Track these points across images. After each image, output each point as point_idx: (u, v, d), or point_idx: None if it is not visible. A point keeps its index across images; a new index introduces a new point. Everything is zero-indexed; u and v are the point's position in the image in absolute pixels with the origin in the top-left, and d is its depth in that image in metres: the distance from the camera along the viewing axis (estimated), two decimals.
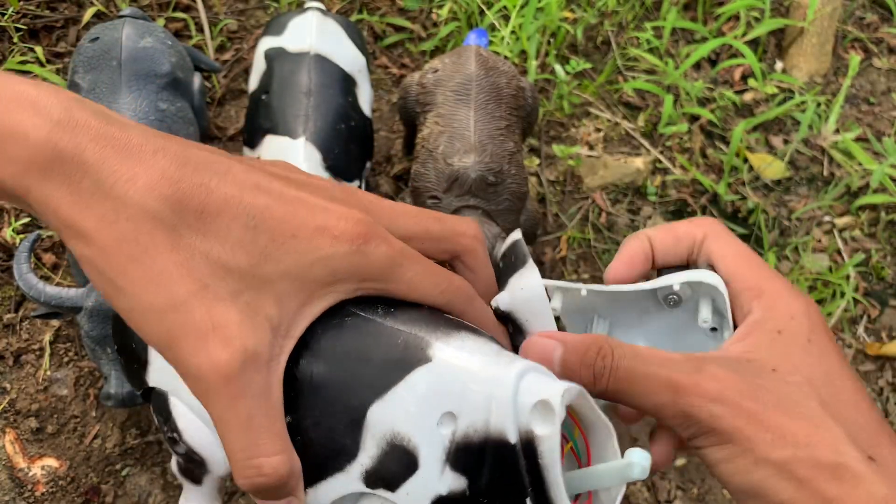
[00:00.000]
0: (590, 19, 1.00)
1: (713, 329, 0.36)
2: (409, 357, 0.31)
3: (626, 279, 0.37)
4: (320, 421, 0.32)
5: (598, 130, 0.94)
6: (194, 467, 0.40)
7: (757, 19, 1.03)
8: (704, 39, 1.00)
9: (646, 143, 0.94)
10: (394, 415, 0.31)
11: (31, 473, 0.67)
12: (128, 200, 0.28)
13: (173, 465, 0.44)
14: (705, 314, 0.35)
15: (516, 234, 0.36)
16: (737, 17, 1.04)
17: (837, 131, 0.98)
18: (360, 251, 0.31)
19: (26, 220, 0.78)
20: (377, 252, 0.31)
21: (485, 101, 0.68)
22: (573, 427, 0.32)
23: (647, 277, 0.37)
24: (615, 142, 0.94)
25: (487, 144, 0.66)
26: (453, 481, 0.30)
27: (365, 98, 0.74)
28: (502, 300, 0.35)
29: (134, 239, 0.28)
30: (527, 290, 0.34)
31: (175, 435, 0.38)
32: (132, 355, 0.40)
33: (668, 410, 0.31)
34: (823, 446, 0.30)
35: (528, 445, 0.29)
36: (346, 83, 0.72)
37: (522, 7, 0.93)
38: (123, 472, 0.68)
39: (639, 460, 0.29)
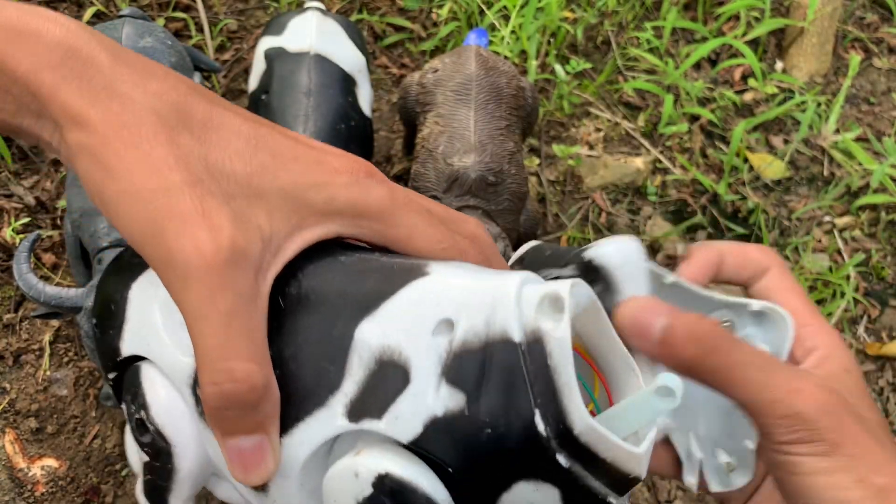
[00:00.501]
0: (590, 19, 1.00)
1: None
2: (403, 275, 0.29)
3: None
4: (301, 350, 0.29)
5: (598, 130, 0.94)
6: (160, 464, 0.34)
7: (757, 19, 1.03)
8: (704, 39, 1.00)
9: (646, 143, 0.94)
10: (384, 329, 0.28)
11: (30, 473, 0.67)
12: (136, 99, 0.28)
13: (138, 489, 0.37)
14: (762, 346, 0.34)
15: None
16: (737, 17, 1.04)
17: (838, 131, 0.98)
18: (359, 183, 0.30)
19: (26, 220, 0.78)
20: (378, 189, 0.31)
21: (485, 101, 0.68)
22: (592, 379, 0.30)
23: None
24: (615, 142, 0.94)
25: (487, 144, 0.66)
26: (450, 398, 0.26)
27: (365, 98, 0.74)
28: (603, 251, 0.32)
29: (136, 128, 0.28)
30: (627, 252, 0.32)
31: (142, 413, 0.33)
32: (110, 316, 0.35)
33: (780, 408, 0.29)
34: None
35: (535, 345, 0.26)
36: (346, 83, 0.72)
37: (522, 7, 0.93)
38: (123, 472, 0.68)
39: (667, 382, 0.26)
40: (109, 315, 0.35)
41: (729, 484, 0.34)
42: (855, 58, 1.03)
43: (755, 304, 0.34)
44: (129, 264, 0.36)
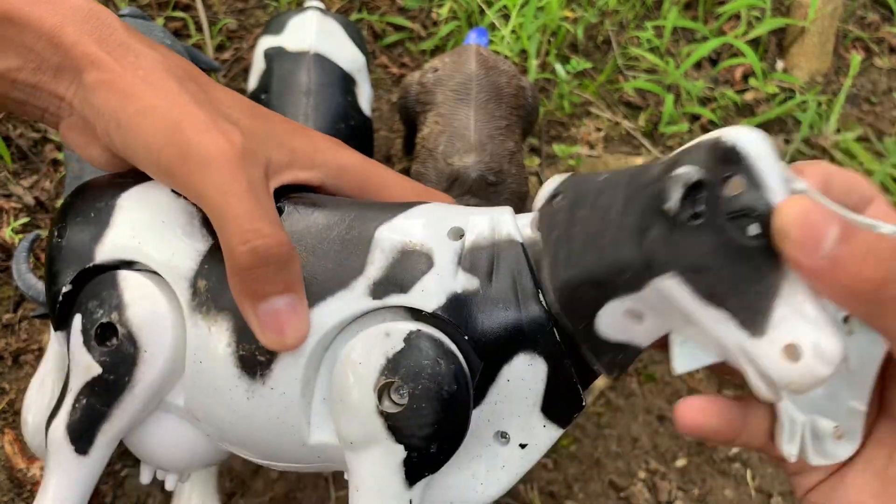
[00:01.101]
0: (590, 18, 0.99)
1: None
2: (406, 203, 0.34)
3: None
4: (318, 247, 0.32)
5: (599, 130, 0.94)
6: (113, 378, 0.32)
7: (758, 18, 1.03)
8: (705, 39, 1.00)
9: (646, 143, 0.94)
10: (403, 230, 0.32)
11: (30, 474, 0.67)
12: (148, 55, 0.33)
13: (56, 425, 0.33)
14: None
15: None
16: (738, 17, 1.03)
17: (838, 131, 0.97)
18: (339, 148, 0.36)
19: (25, 219, 0.77)
20: (354, 153, 0.36)
21: (485, 101, 0.67)
22: None
23: None
24: (616, 141, 0.94)
25: (487, 144, 0.65)
26: (466, 281, 0.31)
27: (365, 97, 0.74)
28: (739, 136, 0.26)
29: (150, 71, 0.32)
30: (765, 142, 0.26)
31: (113, 315, 0.32)
32: (89, 223, 0.34)
33: None
34: None
35: (532, 246, 0.31)
36: (346, 82, 0.72)
37: (523, 6, 0.93)
38: (122, 473, 0.68)
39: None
40: (87, 220, 0.34)
41: (833, 456, 0.29)
42: (856, 57, 1.03)
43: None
44: (115, 182, 0.36)
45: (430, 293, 0.30)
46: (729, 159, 0.25)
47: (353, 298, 0.31)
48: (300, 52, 0.71)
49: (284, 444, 0.33)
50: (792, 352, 0.24)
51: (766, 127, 0.98)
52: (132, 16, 0.69)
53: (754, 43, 1.01)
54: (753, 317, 0.25)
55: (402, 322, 0.30)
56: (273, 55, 0.72)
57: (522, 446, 0.32)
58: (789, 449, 0.29)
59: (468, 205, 0.67)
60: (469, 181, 0.64)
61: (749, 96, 1.00)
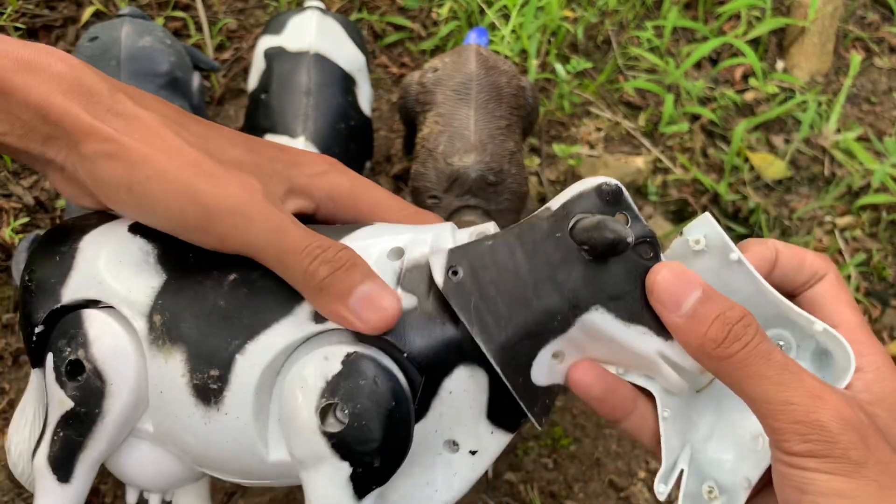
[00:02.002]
0: (590, 18, 0.99)
1: None
2: (353, 225, 0.36)
3: None
4: (264, 275, 0.33)
5: (599, 130, 0.94)
6: (85, 410, 0.34)
7: (758, 18, 1.03)
8: (705, 39, 1.00)
9: (646, 143, 0.94)
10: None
11: None
12: (137, 117, 0.33)
13: (39, 457, 0.36)
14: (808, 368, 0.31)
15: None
16: (738, 17, 1.03)
17: (839, 131, 0.97)
18: (330, 171, 0.37)
19: (25, 219, 0.77)
20: (345, 176, 0.38)
21: (485, 101, 0.67)
22: None
23: None
24: (616, 141, 0.94)
25: (488, 144, 0.65)
26: (405, 299, 0.32)
27: (365, 97, 0.74)
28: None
29: (145, 130, 0.33)
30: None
31: (80, 353, 0.34)
32: (54, 266, 0.37)
33: (795, 412, 0.27)
34: None
35: None
36: (346, 82, 0.72)
37: (523, 6, 0.93)
38: None
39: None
40: (53, 264, 0.37)
41: None
42: (856, 57, 1.03)
43: (820, 325, 0.31)
44: (78, 226, 0.39)
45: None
46: (614, 201, 0.31)
47: (298, 324, 0.32)
48: (300, 52, 0.70)
49: (246, 463, 0.34)
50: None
51: (766, 127, 0.98)
52: (132, 15, 0.69)
53: (754, 43, 1.01)
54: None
55: (340, 345, 0.32)
56: (273, 55, 0.72)
57: (473, 453, 0.34)
58: (660, 487, 0.32)
59: (468, 205, 0.67)
60: (469, 181, 0.64)
61: (749, 96, 0.99)
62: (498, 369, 0.31)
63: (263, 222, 0.32)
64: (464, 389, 0.32)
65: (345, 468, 0.31)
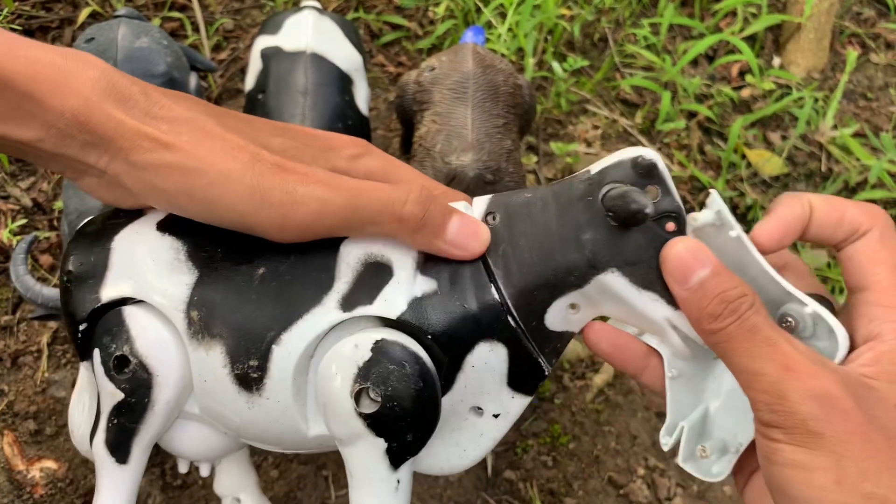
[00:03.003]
0: (587, 16, 0.99)
1: None
2: None
3: (775, 245, 0.33)
4: (294, 266, 0.35)
5: (596, 128, 0.94)
6: (135, 400, 0.37)
7: (754, 15, 1.03)
8: (702, 36, 1.00)
9: (644, 140, 0.94)
10: (364, 242, 0.35)
11: (29, 476, 0.67)
12: (176, 114, 0.33)
13: (97, 441, 0.39)
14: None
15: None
16: (734, 13, 1.04)
17: (835, 127, 0.98)
18: (364, 154, 0.38)
19: (23, 221, 0.77)
20: (378, 156, 0.39)
21: (482, 99, 0.67)
22: None
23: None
24: (613, 139, 0.94)
25: (485, 142, 0.66)
26: (425, 284, 0.34)
27: (362, 97, 0.74)
28: (648, 155, 0.33)
29: (191, 132, 0.33)
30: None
31: (125, 349, 0.37)
32: (90, 267, 0.38)
33: (764, 382, 0.27)
34: None
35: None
36: (343, 82, 0.72)
37: (519, 4, 0.93)
38: None
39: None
40: (89, 265, 0.39)
41: (704, 471, 0.35)
42: (852, 53, 1.03)
43: (810, 308, 0.31)
44: (108, 225, 0.40)
45: (392, 302, 0.34)
46: (647, 174, 0.32)
47: (326, 313, 0.34)
48: (297, 52, 0.70)
49: (287, 438, 0.37)
50: None
51: (762, 123, 0.98)
52: (128, 16, 0.69)
53: (751, 40, 1.01)
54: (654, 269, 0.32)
55: (369, 332, 0.34)
56: (270, 55, 0.72)
57: (496, 416, 0.37)
58: (665, 439, 0.35)
59: None
60: (467, 180, 0.64)
61: (746, 93, 1.00)
62: (513, 311, 0.33)
63: (340, 194, 0.33)
64: (485, 363, 0.35)
65: (380, 444, 0.34)
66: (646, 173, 0.32)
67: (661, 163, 0.32)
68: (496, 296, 0.34)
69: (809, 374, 0.27)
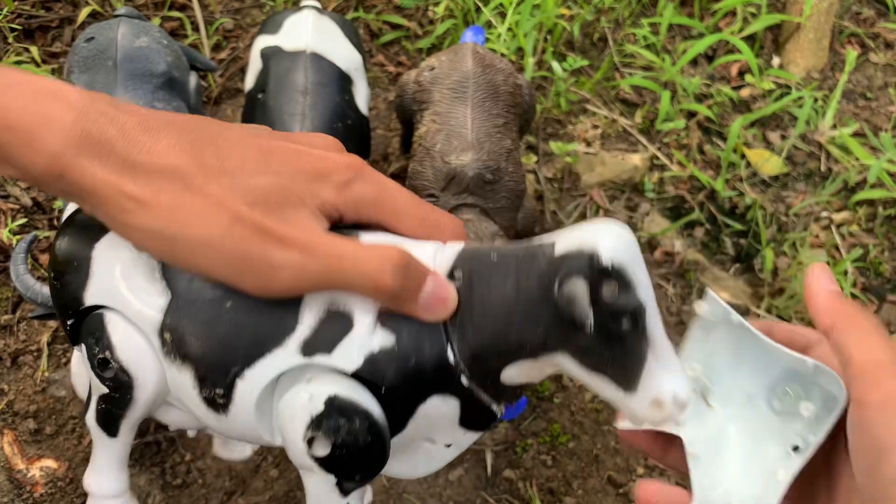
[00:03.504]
0: (586, 16, 1.00)
1: (795, 448, 0.34)
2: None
3: None
4: (260, 303, 0.36)
5: (596, 127, 0.94)
6: (119, 395, 0.40)
7: (754, 15, 1.03)
8: (701, 35, 1.00)
9: (643, 140, 0.94)
10: (330, 291, 0.36)
11: (29, 475, 0.67)
12: (152, 165, 0.32)
13: (89, 416, 0.43)
14: (810, 407, 0.34)
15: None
16: (733, 13, 1.04)
17: (835, 127, 0.98)
18: (356, 179, 0.36)
19: (23, 220, 0.77)
20: (371, 183, 0.37)
21: (482, 99, 0.67)
22: None
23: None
24: (613, 138, 0.94)
25: (485, 142, 0.66)
26: (384, 338, 0.35)
27: (361, 96, 0.74)
28: (606, 246, 0.32)
29: (170, 187, 0.32)
30: (628, 241, 0.33)
31: (106, 353, 0.39)
32: (74, 271, 0.40)
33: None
34: None
35: None
36: (343, 81, 0.72)
37: (519, 4, 0.93)
38: None
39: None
40: (72, 269, 0.40)
41: None
42: (851, 53, 1.03)
43: (811, 362, 0.34)
44: (88, 226, 0.40)
45: (349, 356, 0.35)
46: (603, 273, 0.31)
47: (287, 356, 0.36)
48: (297, 52, 0.70)
49: (259, 441, 0.40)
50: (657, 404, 0.31)
51: (762, 123, 0.98)
52: (128, 16, 0.69)
53: (750, 39, 1.01)
54: (627, 379, 0.31)
55: (325, 384, 0.35)
56: (270, 54, 0.72)
57: (448, 445, 0.39)
58: None
59: (465, 203, 0.67)
60: (466, 179, 0.64)
61: (745, 93, 1.00)
62: (467, 372, 0.34)
63: (317, 261, 0.33)
64: (438, 411, 0.36)
65: (331, 478, 0.37)
66: (602, 272, 0.31)
67: (622, 253, 0.31)
68: (451, 358, 0.34)
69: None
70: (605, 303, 0.30)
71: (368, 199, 0.37)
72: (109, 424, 0.42)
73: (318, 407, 0.35)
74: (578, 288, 0.31)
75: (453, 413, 0.36)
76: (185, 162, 0.32)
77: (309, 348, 0.35)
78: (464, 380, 0.35)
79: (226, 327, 0.36)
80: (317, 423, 0.35)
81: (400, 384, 0.35)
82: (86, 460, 0.68)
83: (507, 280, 0.33)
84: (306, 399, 0.35)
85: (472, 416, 0.37)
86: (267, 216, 0.33)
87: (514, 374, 0.35)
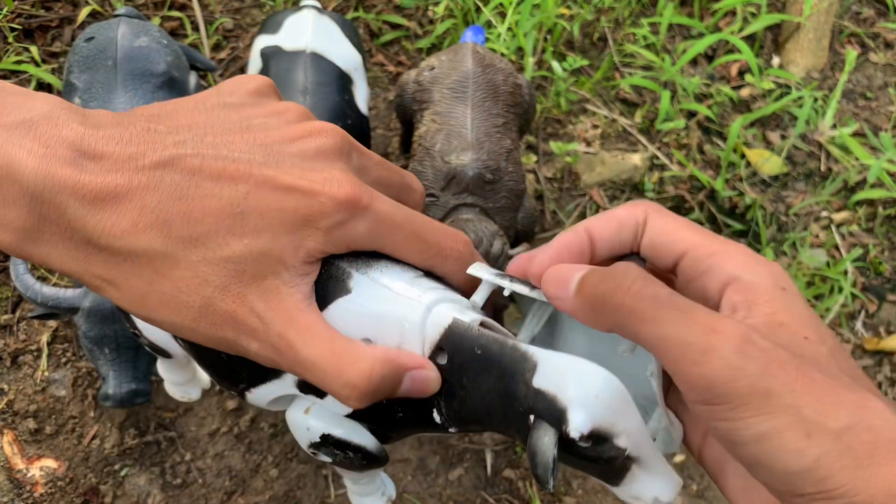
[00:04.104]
0: (586, 16, 1.00)
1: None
2: (331, 288, 0.35)
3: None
4: None
5: (596, 127, 0.94)
6: (159, 352, 0.48)
7: (753, 14, 1.03)
8: (701, 35, 1.00)
9: (643, 140, 0.94)
10: None
11: (29, 474, 0.67)
12: (117, 249, 0.30)
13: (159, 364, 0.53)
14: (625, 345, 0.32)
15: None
16: (733, 13, 1.04)
17: (834, 126, 0.98)
18: (349, 220, 0.33)
19: None
20: (365, 221, 0.33)
21: (482, 99, 0.67)
22: None
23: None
24: (612, 138, 0.94)
25: (485, 142, 0.66)
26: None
27: (361, 96, 0.74)
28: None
29: (136, 275, 0.30)
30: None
31: (136, 331, 0.46)
32: None
33: (693, 352, 0.25)
34: (877, 416, 0.24)
35: (437, 364, 0.35)
36: (343, 81, 0.72)
37: (519, 4, 0.93)
38: (122, 473, 0.68)
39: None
40: None
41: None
42: (851, 53, 1.03)
43: (623, 345, 0.32)
44: None
45: (339, 404, 0.36)
46: (577, 432, 0.30)
47: (284, 387, 0.37)
48: (297, 51, 0.70)
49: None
50: (639, 499, 0.32)
51: (762, 123, 0.98)
52: (128, 15, 0.69)
53: (750, 39, 1.01)
54: (608, 480, 0.32)
55: (320, 422, 0.38)
56: (269, 54, 0.72)
57: None
58: None
59: (465, 203, 0.67)
60: (466, 179, 0.64)
61: (745, 92, 1.00)
62: (454, 427, 0.36)
63: (287, 361, 0.32)
64: (426, 432, 0.38)
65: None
66: (575, 431, 0.30)
67: (601, 413, 0.29)
68: (438, 419, 0.36)
69: (734, 335, 0.25)
70: (578, 448, 0.29)
71: (362, 239, 0.33)
72: (163, 355, 0.52)
73: (314, 438, 0.38)
74: (543, 443, 0.30)
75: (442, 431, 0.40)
76: (150, 241, 0.30)
77: (304, 387, 0.37)
78: (451, 429, 0.37)
79: (228, 355, 0.39)
80: (316, 448, 0.39)
81: (389, 426, 0.38)
82: (86, 460, 0.68)
83: (489, 380, 0.33)
84: (304, 429, 0.38)
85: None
86: (240, 300, 0.31)
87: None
